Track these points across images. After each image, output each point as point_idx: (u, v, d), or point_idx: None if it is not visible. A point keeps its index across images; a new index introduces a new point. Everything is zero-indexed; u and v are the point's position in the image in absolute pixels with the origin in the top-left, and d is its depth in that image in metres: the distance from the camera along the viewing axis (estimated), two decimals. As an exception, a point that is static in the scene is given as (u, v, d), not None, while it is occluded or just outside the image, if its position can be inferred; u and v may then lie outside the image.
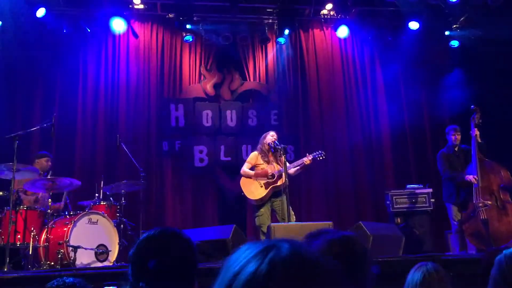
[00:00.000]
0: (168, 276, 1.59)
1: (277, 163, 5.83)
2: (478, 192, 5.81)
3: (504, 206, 5.76)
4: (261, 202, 5.79)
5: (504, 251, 1.70)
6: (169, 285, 1.59)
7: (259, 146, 6.02)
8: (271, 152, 5.88)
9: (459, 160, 6.22)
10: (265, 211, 5.78)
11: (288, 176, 5.69)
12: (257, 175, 5.85)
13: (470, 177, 5.87)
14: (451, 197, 6.19)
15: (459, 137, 6.25)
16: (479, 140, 5.96)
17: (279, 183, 5.73)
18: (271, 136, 5.92)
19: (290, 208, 5.54)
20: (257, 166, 5.93)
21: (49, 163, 6.09)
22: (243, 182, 5.93)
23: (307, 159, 5.74)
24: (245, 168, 5.94)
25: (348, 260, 1.41)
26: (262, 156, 5.93)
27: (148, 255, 1.64)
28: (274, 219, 5.88)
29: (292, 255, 0.70)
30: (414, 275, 2.24)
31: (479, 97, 7.14)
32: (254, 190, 5.82)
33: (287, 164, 5.70)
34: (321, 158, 5.84)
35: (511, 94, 7.56)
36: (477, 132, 5.98)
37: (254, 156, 6.00)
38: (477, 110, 6.07)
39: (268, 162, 5.88)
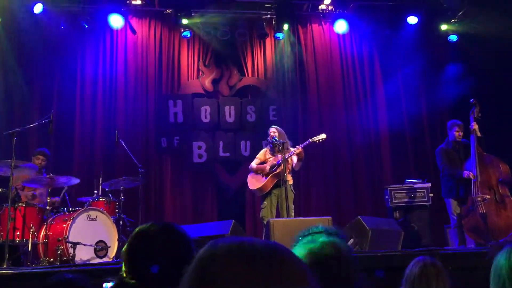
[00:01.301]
0: (164, 276, 1.51)
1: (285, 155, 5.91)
2: (477, 187, 5.82)
3: (503, 200, 5.77)
4: (262, 191, 5.90)
5: (509, 245, 1.70)
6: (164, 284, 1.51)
7: (268, 141, 6.16)
8: (271, 147, 5.99)
9: (458, 155, 6.20)
10: (268, 203, 5.87)
11: (292, 170, 5.81)
12: (258, 169, 6.00)
13: (467, 173, 5.86)
14: (450, 192, 6.17)
15: (461, 133, 6.21)
16: (479, 134, 5.94)
17: (278, 170, 5.79)
18: (270, 132, 6.02)
19: (290, 202, 5.57)
20: (267, 161, 6.08)
21: (43, 162, 6.05)
22: (249, 178, 6.10)
23: (296, 148, 5.80)
24: (252, 163, 6.11)
25: (334, 262, 1.41)
26: (270, 152, 6.10)
27: (140, 253, 1.58)
28: (278, 213, 5.92)
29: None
30: (412, 269, 2.25)
31: (478, 91, 7.14)
32: (256, 181, 5.98)
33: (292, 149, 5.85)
34: (320, 140, 5.90)
35: (509, 88, 7.56)
36: (475, 126, 5.97)
37: (263, 152, 6.19)
38: (476, 104, 6.05)
39: (275, 156, 5.99)
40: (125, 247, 1.67)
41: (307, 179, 8.00)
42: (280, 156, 5.81)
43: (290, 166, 5.84)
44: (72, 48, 7.77)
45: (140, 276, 1.56)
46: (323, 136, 5.94)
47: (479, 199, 5.76)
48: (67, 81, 7.68)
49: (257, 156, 6.23)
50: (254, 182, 5.99)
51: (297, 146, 5.86)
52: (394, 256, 4.00)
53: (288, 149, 5.93)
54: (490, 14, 7.62)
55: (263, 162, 6.08)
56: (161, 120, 7.90)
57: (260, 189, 5.90)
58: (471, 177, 5.81)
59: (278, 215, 5.84)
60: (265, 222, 5.67)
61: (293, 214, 5.75)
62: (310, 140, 5.91)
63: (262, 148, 6.42)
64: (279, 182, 5.79)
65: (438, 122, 8.17)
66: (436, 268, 2.21)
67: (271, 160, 5.98)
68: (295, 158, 5.90)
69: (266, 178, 5.88)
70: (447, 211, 6.33)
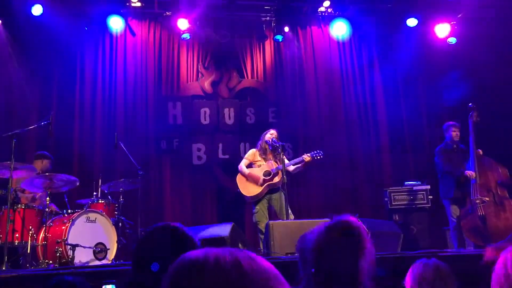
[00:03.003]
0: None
1: (276, 161, 5.85)
2: (475, 189, 5.84)
3: (502, 202, 5.80)
4: (256, 199, 5.85)
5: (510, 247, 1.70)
6: None
7: (259, 143, 6.07)
8: (270, 150, 5.92)
9: (457, 157, 6.24)
10: (260, 208, 5.84)
11: (288, 173, 5.74)
12: (250, 176, 5.90)
13: (469, 172, 5.90)
14: (449, 193, 6.20)
15: (458, 133, 6.27)
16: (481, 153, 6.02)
17: (275, 180, 5.77)
18: (270, 134, 5.98)
19: (288, 205, 5.55)
20: (254, 163, 5.99)
21: (47, 165, 6.05)
22: (239, 178, 6.00)
23: (306, 156, 5.76)
24: (242, 165, 6.03)
25: (347, 241, 1.59)
26: (260, 154, 5.98)
27: (147, 254, 1.61)
28: (271, 216, 5.91)
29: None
30: (423, 271, 2.20)
31: (477, 94, 7.16)
32: (249, 186, 5.89)
33: (286, 161, 5.76)
34: (318, 157, 5.84)
35: (509, 91, 7.57)
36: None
37: (252, 153, 6.07)
38: (474, 108, 6.11)
39: (265, 160, 5.93)
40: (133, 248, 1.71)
41: (306, 181, 7.99)
42: (274, 164, 5.79)
43: (280, 173, 5.80)
44: (72, 50, 7.76)
45: (147, 277, 1.59)
46: (320, 153, 5.88)
47: (478, 201, 5.79)
48: (66, 83, 7.68)
49: (245, 156, 6.15)
50: (247, 187, 5.90)
51: (304, 154, 5.82)
52: (393, 258, 4.00)
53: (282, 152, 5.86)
54: (489, 17, 7.64)
55: (250, 164, 6.03)
56: (161, 122, 7.90)
57: (254, 196, 5.86)
58: (472, 176, 5.84)
59: (270, 217, 5.82)
60: (259, 226, 5.70)
61: (292, 216, 5.73)
62: (309, 154, 5.83)
63: (251, 150, 6.26)
64: (273, 189, 5.79)
65: (438, 124, 8.16)
66: (448, 271, 2.20)
67: (264, 166, 5.91)
68: (292, 167, 5.90)
69: (260, 186, 5.83)
70: (446, 213, 6.35)
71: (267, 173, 5.84)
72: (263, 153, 5.97)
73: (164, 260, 1.56)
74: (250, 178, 5.90)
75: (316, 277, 1.61)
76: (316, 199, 7.99)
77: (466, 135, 6.15)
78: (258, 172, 5.89)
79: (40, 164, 6.01)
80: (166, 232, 1.66)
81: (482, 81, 7.65)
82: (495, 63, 7.75)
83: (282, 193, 5.60)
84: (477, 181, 5.85)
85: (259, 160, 5.97)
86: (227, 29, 8.10)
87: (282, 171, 5.55)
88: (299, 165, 5.88)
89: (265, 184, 5.81)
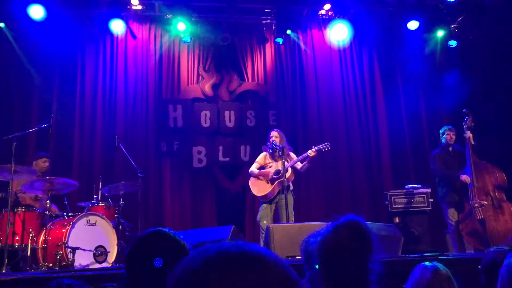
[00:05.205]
0: (159, 282, 1.55)
1: (286, 161, 5.89)
2: (473, 192, 5.86)
3: (500, 205, 5.82)
4: (267, 198, 5.89)
5: None
6: None
7: (266, 145, 6.13)
8: (272, 152, 5.98)
9: (453, 161, 6.26)
10: (267, 207, 5.88)
11: (297, 172, 5.82)
12: (261, 174, 5.97)
13: (464, 177, 5.92)
14: (446, 197, 6.22)
15: (454, 137, 6.30)
16: (472, 142, 6.02)
17: (286, 177, 5.79)
18: (270, 137, 6.03)
19: (290, 207, 5.58)
20: (266, 165, 6.05)
21: (47, 164, 6.08)
22: (251, 181, 6.10)
23: (311, 151, 5.79)
24: (253, 168, 6.10)
25: (354, 239, 1.59)
26: (270, 156, 6.04)
27: (139, 261, 1.61)
28: (275, 219, 5.92)
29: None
30: (423, 274, 2.20)
31: (477, 96, 7.16)
32: (261, 187, 5.97)
33: (294, 158, 5.91)
34: (326, 149, 5.89)
35: (508, 93, 7.58)
36: (470, 135, 6.04)
37: (262, 156, 6.16)
38: (469, 114, 6.15)
39: (276, 161, 5.98)
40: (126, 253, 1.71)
41: (307, 184, 8.00)
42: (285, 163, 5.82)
43: (291, 170, 5.84)
44: (73, 53, 7.78)
45: (140, 281, 1.59)
46: (328, 145, 5.91)
47: (476, 205, 5.80)
48: (67, 85, 7.69)
49: (256, 160, 6.21)
50: (258, 188, 5.96)
51: (312, 147, 5.84)
52: (394, 262, 4.00)
53: (288, 154, 5.94)
54: (490, 20, 7.65)
55: (262, 167, 6.07)
56: (161, 125, 7.90)
57: (265, 196, 5.90)
58: (468, 181, 5.87)
59: (277, 220, 5.84)
60: (261, 223, 5.74)
61: (293, 219, 5.76)
62: (316, 148, 5.87)
63: (262, 153, 6.37)
64: (282, 190, 5.82)
65: (438, 127, 8.16)
66: (447, 275, 2.20)
67: (274, 166, 5.96)
68: (299, 164, 5.92)
69: (271, 184, 5.87)
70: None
71: (277, 172, 5.87)
72: (272, 155, 6.03)
73: (157, 266, 1.56)
74: (260, 176, 5.97)
75: (323, 279, 1.58)
76: (316, 202, 7.99)
77: (462, 140, 6.17)
78: (269, 170, 5.98)
79: (41, 164, 6.02)
80: (157, 238, 1.65)
81: (482, 83, 7.66)
82: (496, 66, 7.76)
83: (286, 196, 5.60)
84: (475, 184, 5.87)
85: (270, 162, 6.05)
86: (227, 32, 8.10)
87: (283, 173, 5.57)
88: (306, 161, 5.91)
89: (275, 182, 5.84)
